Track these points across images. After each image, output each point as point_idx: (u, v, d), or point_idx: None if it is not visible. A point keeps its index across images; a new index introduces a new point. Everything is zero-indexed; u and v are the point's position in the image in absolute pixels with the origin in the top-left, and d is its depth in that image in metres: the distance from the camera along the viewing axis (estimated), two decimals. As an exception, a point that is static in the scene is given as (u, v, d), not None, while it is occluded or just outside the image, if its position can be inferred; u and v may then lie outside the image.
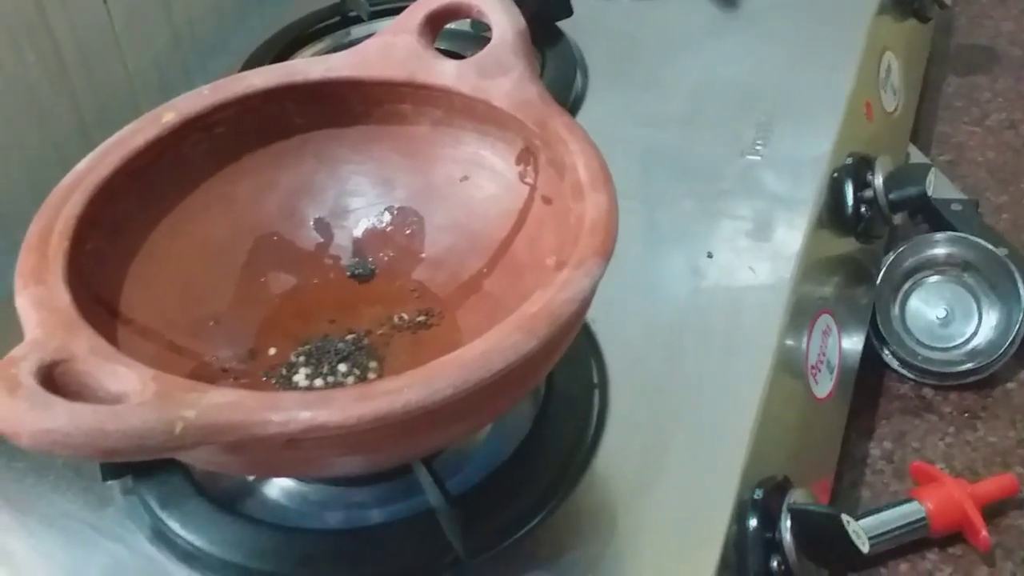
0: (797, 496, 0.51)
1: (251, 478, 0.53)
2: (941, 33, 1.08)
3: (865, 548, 0.50)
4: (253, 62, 0.79)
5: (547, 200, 0.53)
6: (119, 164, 0.51)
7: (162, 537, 0.50)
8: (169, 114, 0.54)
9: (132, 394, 0.39)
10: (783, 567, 0.50)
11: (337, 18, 0.85)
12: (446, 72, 0.55)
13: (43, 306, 0.44)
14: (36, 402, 0.37)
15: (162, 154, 0.53)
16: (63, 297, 0.44)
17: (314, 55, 0.72)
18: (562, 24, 0.80)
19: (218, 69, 0.82)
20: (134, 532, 0.51)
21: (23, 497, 0.53)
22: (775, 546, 0.50)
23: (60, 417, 0.36)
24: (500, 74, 0.53)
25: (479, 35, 0.76)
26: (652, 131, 0.72)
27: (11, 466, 0.54)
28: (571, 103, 0.74)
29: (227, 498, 0.51)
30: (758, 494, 0.51)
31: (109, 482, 0.52)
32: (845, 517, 0.50)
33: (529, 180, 0.54)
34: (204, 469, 0.52)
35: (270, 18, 0.85)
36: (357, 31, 0.84)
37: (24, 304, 0.44)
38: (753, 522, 0.50)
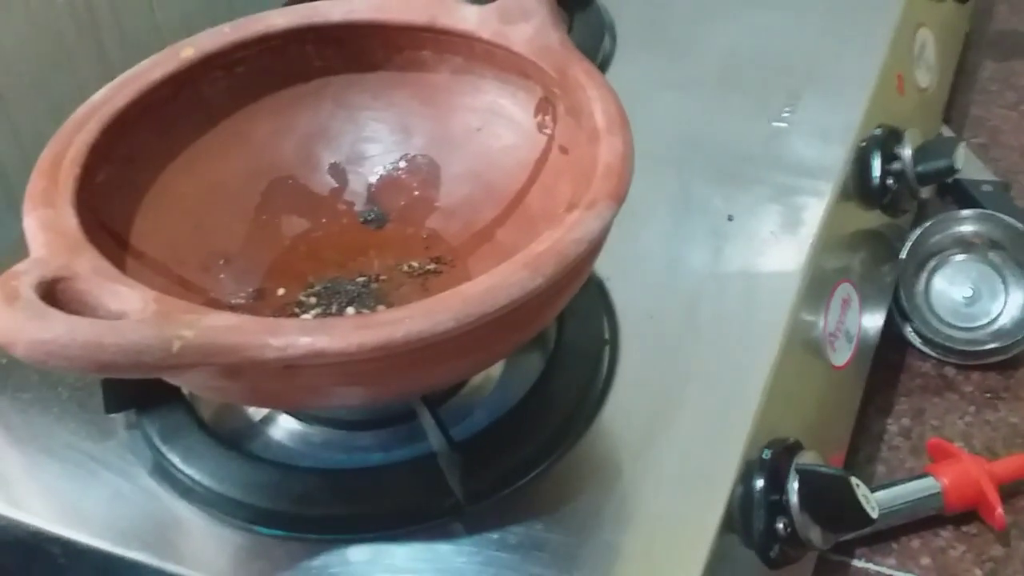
0: (806, 458, 0.50)
1: (255, 418, 0.53)
2: (981, 17, 1.07)
3: (874, 513, 0.49)
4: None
5: (564, 150, 0.53)
6: (135, 96, 0.51)
7: (162, 471, 0.50)
8: (188, 50, 0.54)
9: (132, 313, 0.39)
10: (788, 529, 0.49)
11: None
12: (467, 17, 0.54)
13: (49, 228, 0.43)
14: (34, 313, 0.37)
15: (180, 90, 0.53)
16: (70, 221, 0.44)
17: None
18: (592, -13, 0.79)
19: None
20: (135, 465, 0.50)
21: (26, 427, 0.53)
22: (781, 508, 0.49)
23: (57, 328, 0.36)
24: (522, 20, 0.53)
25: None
26: (679, 95, 0.71)
27: (16, 397, 0.54)
28: (598, 65, 0.73)
29: (229, 436, 0.51)
30: (766, 454, 0.50)
31: (112, 415, 0.52)
32: (854, 480, 0.49)
33: (547, 130, 0.54)
34: (206, 402, 0.52)
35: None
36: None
37: (31, 225, 0.44)
38: (760, 482, 0.49)
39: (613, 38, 0.76)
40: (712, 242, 0.61)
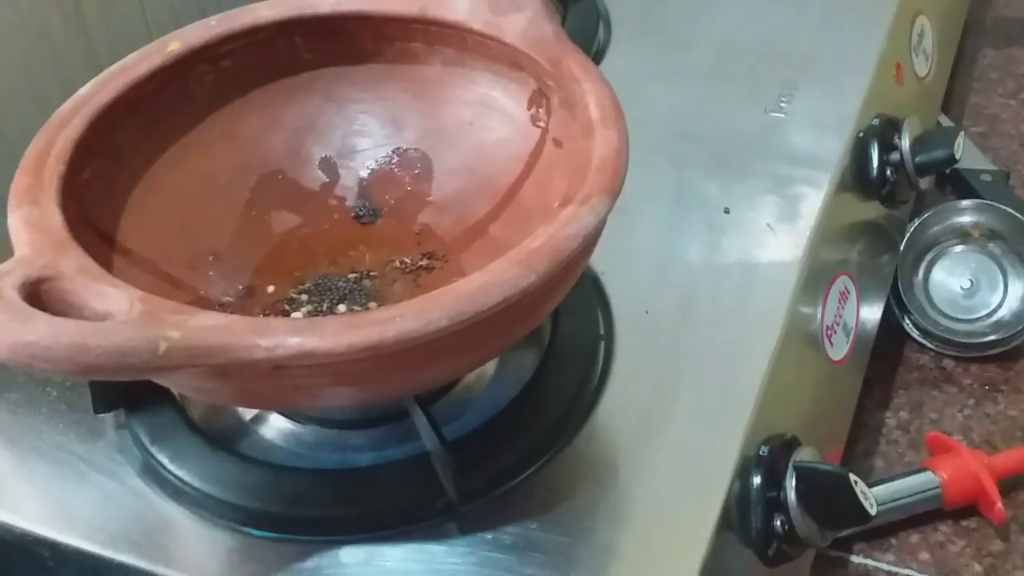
0: (804, 454, 0.50)
1: (246, 418, 0.52)
2: (980, 3, 1.06)
3: (873, 510, 0.48)
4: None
5: (558, 143, 0.52)
6: (121, 91, 0.50)
7: (152, 472, 0.49)
8: (175, 43, 0.53)
9: (118, 314, 0.38)
10: (786, 527, 0.48)
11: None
12: (459, 7, 0.53)
13: (34, 226, 0.43)
14: (17, 314, 0.36)
15: (166, 84, 0.52)
16: (55, 218, 0.43)
17: None
18: (587, -24, 0.78)
19: (236, 14, 0.81)
20: (124, 466, 0.50)
21: (14, 428, 0.52)
22: (779, 505, 0.49)
23: (41, 330, 0.36)
24: (514, 10, 0.52)
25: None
26: (675, 86, 0.70)
27: (3, 397, 0.53)
28: (593, 56, 0.73)
29: (220, 436, 0.50)
30: (764, 451, 0.49)
31: (101, 415, 0.51)
32: (853, 476, 0.48)
33: (541, 123, 0.53)
34: (196, 401, 0.51)
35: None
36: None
37: (16, 224, 0.43)
38: (757, 479, 0.49)
39: (608, 29, 0.75)
40: (708, 235, 0.60)
